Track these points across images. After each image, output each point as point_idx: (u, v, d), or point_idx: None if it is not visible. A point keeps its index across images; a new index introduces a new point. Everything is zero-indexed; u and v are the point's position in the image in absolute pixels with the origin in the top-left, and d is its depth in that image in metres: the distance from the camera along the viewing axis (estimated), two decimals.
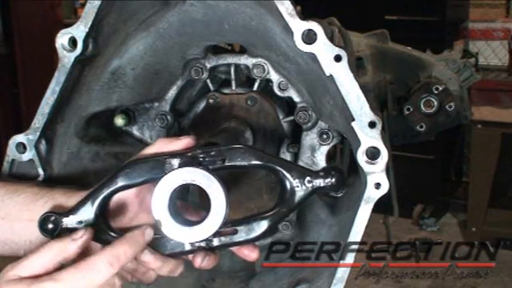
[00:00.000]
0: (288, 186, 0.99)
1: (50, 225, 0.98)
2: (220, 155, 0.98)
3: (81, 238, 0.94)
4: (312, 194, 1.00)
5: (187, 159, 0.98)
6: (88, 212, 0.99)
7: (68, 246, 0.93)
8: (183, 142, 1.03)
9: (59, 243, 0.93)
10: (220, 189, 0.95)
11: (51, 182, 1.16)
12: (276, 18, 1.05)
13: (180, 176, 0.96)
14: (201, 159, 0.98)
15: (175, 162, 0.98)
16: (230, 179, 1.27)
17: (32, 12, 5.57)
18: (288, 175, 0.99)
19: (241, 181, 1.29)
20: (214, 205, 0.95)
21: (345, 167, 1.38)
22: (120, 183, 1.00)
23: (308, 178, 0.99)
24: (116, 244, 0.95)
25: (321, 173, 0.99)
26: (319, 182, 0.99)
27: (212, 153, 0.98)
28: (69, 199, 1.04)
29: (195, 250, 1.01)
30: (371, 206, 1.00)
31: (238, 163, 0.99)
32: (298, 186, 0.99)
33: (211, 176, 0.95)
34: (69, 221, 0.99)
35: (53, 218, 0.98)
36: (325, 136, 1.29)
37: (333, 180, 0.99)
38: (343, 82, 1.00)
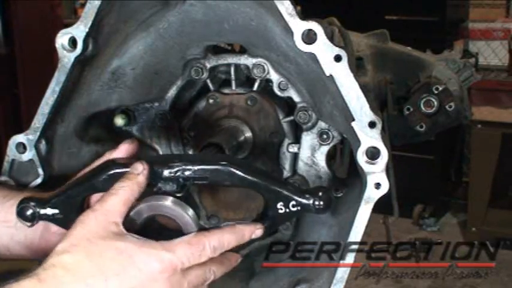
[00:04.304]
0: (271, 209, 0.98)
1: (29, 212, 0.99)
2: (204, 174, 0.96)
3: (144, 170, 0.94)
4: (296, 215, 0.99)
5: (167, 180, 0.96)
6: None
7: (139, 179, 0.94)
8: (122, 150, 1.06)
9: (128, 180, 0.93)
10: (189, 220, 0.95)
11: (51, 181, 1.16)
12: (276, 18, 1.05)
13: (150, 208, 0.95)
14: (181, 180, 0.96)
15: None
16: None
17: (32, 12, 5.56)
18: (271, 197, 0.98)
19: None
20: (184, 230, 0.95)
21: (345, 167, 1.38)
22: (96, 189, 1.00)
23: (293, 202, 0.97)
24: (224, 231, 0.95)
25: (308, 196, 0.97)
26: (305, 205, 0.97)
27: (196, 169, 0.96)
28: None
29: None
30: (371, 206, 1.00)
31: (220, 182, 0.98)
32: (281, 209, 0.97)
33: (180, 211, 0.94)
34: (46, 211, 1.00)
35: (30, 209, 0.99)
36: (325, 136, 1.29)
37: (321, 202, 0.96)
38: (343, 82, 1.00)
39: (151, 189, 0.96)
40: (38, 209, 0.99)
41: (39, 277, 0.82)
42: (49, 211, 0.99)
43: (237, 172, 0.96)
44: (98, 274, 0.84)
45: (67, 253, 0.85)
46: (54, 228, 1.05)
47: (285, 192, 0.97)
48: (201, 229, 0.96)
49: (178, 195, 0.96)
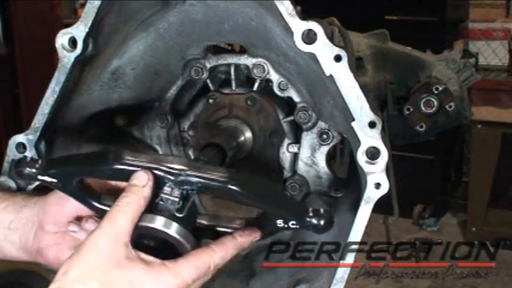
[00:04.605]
0: (270, 222, 0.98)
1: (27, 172, 1.00)
2: (206, 189, 0.96)
3: (149, 181, 0.94)
4: (293, 229, 0.99)
5: (168, 194, 0.95)
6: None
7: (144, 192, 0.93)
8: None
9: (134, 195, 0.93)
10: (182, 242, 0.94)
11: None
12: (276, 18, 1.05)
13: (144, 229, 0.94)
14: (184, 191, 0.95)
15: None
16: None
17: (32, 12, 5.56)
18: (271, 217, 0.97)
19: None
20: (179, 250, 0.95)
21: (345, 167, 1.38)
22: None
23: (293, 222, 0.96)
24: (227, 246, 0.96)
25: (311, 216, 0.95)
26: (305, 226, 0.96)
27: (200, 184, 0.95)
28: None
29: None
30: (371, 206, 1.00)
31: (222, 197, 0.98)
32: (280, 224, 0.97)
33: (170, 234, 0.93)
34: (45, 178, 1.01)
35: (31, 170, 1.00)
36: (325, 136, 1.29)
37: (321, 222, 0.95)
38: (343, 82, 1.00)
39: (152, 199, 0.95)
40: (38, 174, 1.00)
41: None
42: (47, 179, 1.01)
43: (240, 191, 0.94)
44: None
45: (80, 284, 0.85)
46: (48, 226, 1.06)
47: (286, 214, 0.97)
48: (205, 246, 0.96)
49: (179, 215, 0.94)
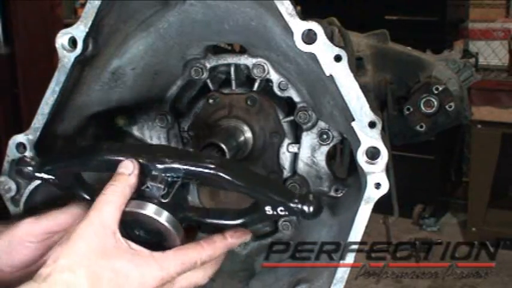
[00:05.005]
0: (259, 209, 0.98)
1: (26, 171, 1.03)
2: (192, 176, 0.97)
3: (134, 170, 0.95)
4: (285, 217, 1.00)
5: (155, 179, 0.96)
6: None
7: (130, 180, 0.95)
8: (70, 213, 1.06)
9: (120, 183, 0.94)
10: (170, 230, 0.95)
11: None
12: (276, 18, 1.05)
13: (133, 215, 0.95)
14: (169, 178, 0.96)
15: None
16: None
17: (32, 12, 5.56)
18: (260, 204, 0.97)
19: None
20: (168, 241, 0.96)
21: (345, 167, 1.38)
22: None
23: (281, 208, 0.96)
24: (216, 245, 0.98)
25: (296, 202, 0.95)
26: (293, 211, 0.96)
27: (185, 169, 0.96)
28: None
29: None
30: (371, 206, 1.00)
31: (208, 184, 1.00)
32: (269, 211, 0.97)
33: (160, 221, 0.94)
34: (42, 175, 1.04)
35: (28, 168, 1.03)
36: (325, 136, 1.29)
37: (310, 209, 0.95)
38: (343, 82, 1.00)
39: (139, 187, 0.97)
40: (34, 172, 1.03)
41: None
42: (44, 176, 1.03)
43: (225, 176, 0.95)
44: None
45: (69, 271, 0.88)
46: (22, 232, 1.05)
47: (274, 198, 0.96)
48: (195, 242, 0.97)
49: (163, 200, 0.95)
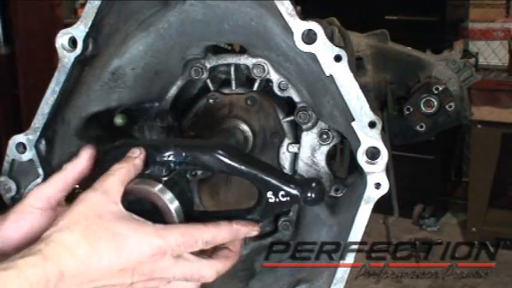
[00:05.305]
0: (262, 198, 0.98)
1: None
2: (192, 160, 0.99)
3: (140, 154, 0.99)
4: (288, 205, 0.99)
5: (158, 164, 0.99)
6: None
7: (136, 162, 0.98)
8: (84, 158, 1.05)
9: (125, 163, 0.98)
10: (171, 210, 0.96)
11: None
12: (276, 18, 1.05)
13: (137, 190, 0.97)
14: (172, 164, 0.99)
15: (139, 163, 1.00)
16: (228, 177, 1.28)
17: (32, 12, 5.56)
18: (260, 186, 0.98)
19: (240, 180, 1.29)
20: (166, 220, 0.96)
21: (345, 167, 1.38)
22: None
23: (282, 192, 0.96)
24: (221, 229, 0.97)
25: (297, 187, 0.96)
26: (294, 196, 0.96)
27: (184, 155, 0.99)
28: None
29: None
30: (371, 206, 1.00)
31: (210, 169, 1.00)
32: (271, 199, 0.97)
33: (163, 199, 0.96)
34: None
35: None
36: (325, 136, 1.29)
37: (312, 194, 0.96)
38: (343, 82, 1.00)
39: (143, 171, 1.00)
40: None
41: (43, 254, 0.86)
42: None
43: (226, 160, 0.97)
44: (93, 253, 0.88)
45: (67, 230, 0.89)
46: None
47: (273, 182, 0.97)
48: (198, 222, 0.97)
49: (164, 178, 0.98)
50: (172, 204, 0.96)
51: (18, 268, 0.83)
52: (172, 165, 0.99)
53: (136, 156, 0.99)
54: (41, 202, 1.03)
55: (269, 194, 0.97)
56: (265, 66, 1.29)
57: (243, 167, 0.98)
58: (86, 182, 1.05)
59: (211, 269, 0.97)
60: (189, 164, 0.99)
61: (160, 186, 0.97)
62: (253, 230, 1.00)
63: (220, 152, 0.98)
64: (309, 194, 0.96)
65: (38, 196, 1.04)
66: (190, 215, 0.99)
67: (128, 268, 0.90)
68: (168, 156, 0.99)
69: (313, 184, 0.96)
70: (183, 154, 0.98)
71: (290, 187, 0.97)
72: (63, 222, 0.90)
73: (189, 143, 1.02)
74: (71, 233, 0.89)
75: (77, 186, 1.06)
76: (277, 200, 0.97)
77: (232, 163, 0.97)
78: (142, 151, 1.00)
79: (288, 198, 0.97)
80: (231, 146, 1.01)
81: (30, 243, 0.98)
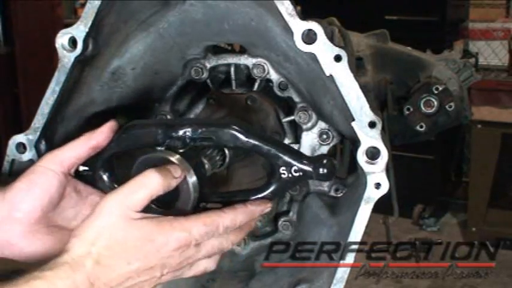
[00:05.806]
0: (274, 174, 1.01)
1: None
2: (208, 134, 1.01)
3: (180, 177, 0.98)
4: (299, 181, 1.01)
5: (174, 139, 1.01)
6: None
7: (172, 183, 0.97)
8: (103, 131, 1.06)
9: (164, 179, 0.96)
10: (188, 181, 0.98)
11: None
12: (276, 18, 1.05)
13: (150, 158, 0.99)
14: (188, 139, 1.01)
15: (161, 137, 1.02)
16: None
17: (32, 12, 5.57)
18: (273, 162, 1.00)
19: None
20: (181, 194, 0.98)
21: (345, 167, 1.38)
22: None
23: (295, 168, 0.99)
24: (238, 212, 1.00)
25: (310, 162, 1.00)
26: (307, 171, 0.99)
27: (200, 130, 1.01)
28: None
29: None
30: (371, 206, 1.00)
31: (224, 144, 1.02)
32: (284, 174, 1.00)
33: (180, 167, 0.98)
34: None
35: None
36: (325, 136, 1.29)
37: (324, 170, 0.99)
38: (343, 82, 1.00)
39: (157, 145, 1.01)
40: None
41: (72, 267, 0.88)
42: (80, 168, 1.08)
43: (240, 135, 0.99)
44: (121, 261, 0.91)
45: (93, 245, 0.91)
46: (17, 214, 1.03)
47: (287, 157, 1.00)
48: (216, 209, 1.00)
49: (180, 150, 1.00)
50: (189, 174, 0.98)
51: (47, 279, 0.85)
52: (188, 140, 1.01)
53: (176, 178, 0.97)
54: (54, 164, 1.04)
55: (282, 169, 1.00)
56: (265, 66, 1.29)
57: (257, 142, 1.00)
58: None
59: (227, 241, 1.01)
60: (204, 140, 1.01)
61: (178, 156, 0.98)
62: (266, 208, 1.04)
63: (236, 127, 1.00)
64: (321, 170, 0.99)
65: (51, 159, 1.05)
66: (204, 194, 1.01)
67: (157, 264, 0.93)
68: (184, 132, 1.01)
69: (325, 160, 0.99)
70: (199, 130, 1.00)
71: (303, 163, 0.99)
72: (88, 234, 0.92)
73: (204, 121, 1.04)
74: (97, 247, 0.91)
75: (86, 168, 1.08)
76: (290, 175, 1.00)
77: (247, 139, 1.00)
78: (183, 174, 0.98)
79: (301, 174, 0.99)
80: (244, 123, 1.03)
81: (43, 209, 1.01)
